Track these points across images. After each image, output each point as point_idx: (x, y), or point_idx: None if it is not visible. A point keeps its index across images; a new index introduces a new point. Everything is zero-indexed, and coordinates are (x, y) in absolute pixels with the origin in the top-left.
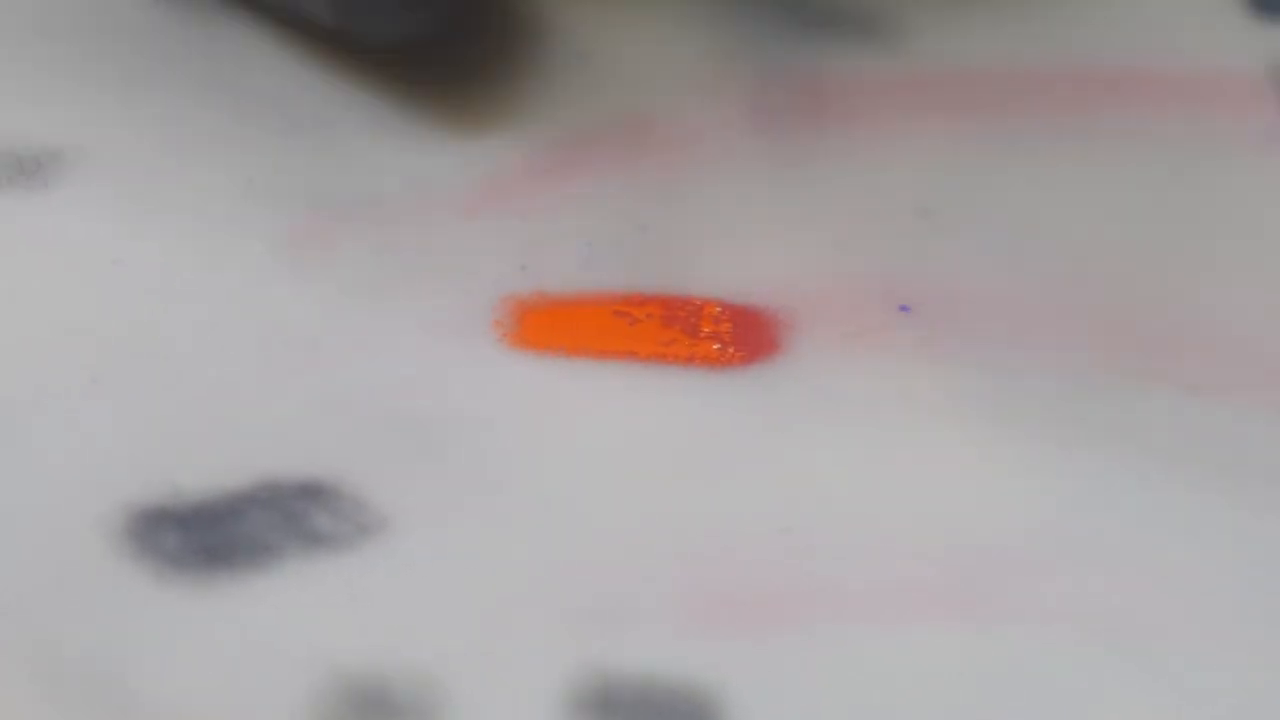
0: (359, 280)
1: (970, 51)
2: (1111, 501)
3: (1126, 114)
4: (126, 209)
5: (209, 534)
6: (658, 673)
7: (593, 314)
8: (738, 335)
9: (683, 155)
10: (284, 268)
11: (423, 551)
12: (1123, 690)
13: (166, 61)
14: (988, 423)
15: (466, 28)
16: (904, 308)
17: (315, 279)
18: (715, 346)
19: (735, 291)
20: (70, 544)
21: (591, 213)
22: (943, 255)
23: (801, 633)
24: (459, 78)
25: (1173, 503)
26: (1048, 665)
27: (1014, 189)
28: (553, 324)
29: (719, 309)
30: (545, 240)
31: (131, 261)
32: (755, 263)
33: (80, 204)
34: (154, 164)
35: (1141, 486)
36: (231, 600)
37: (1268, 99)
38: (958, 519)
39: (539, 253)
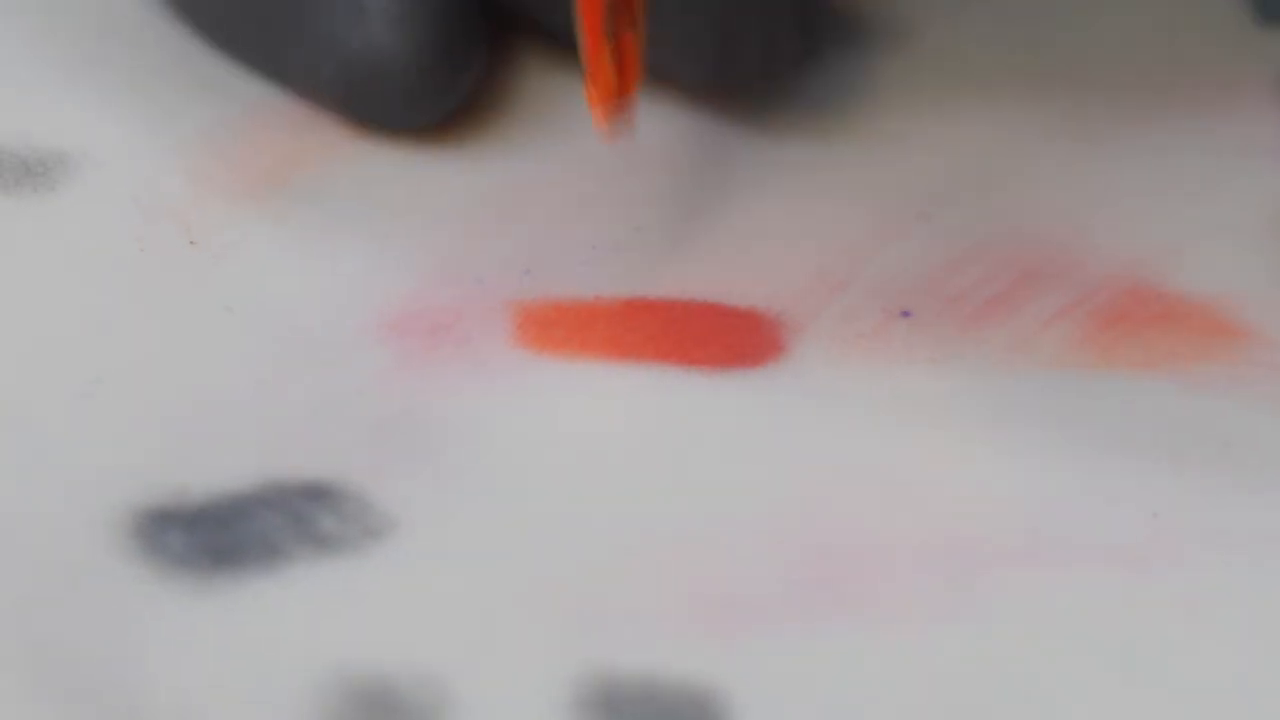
0: (366, 277)
1: (972, 58)
2: (1111, 501)
3: (1131, 123)
4: (131, 212)
5: (215, 535)
6: (661, 673)
7: (596, 317)
8: (739, 339)
9: (681, 158)
10: (288, 268)
11: (428, 553)
12: (1121, 688)
13: (171, 66)
14: (987, 424)
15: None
16: (905, 313)
17: (320, 276)
18: (717, 350)
19: (735, 295)
20: (76, 544)
21: (593, 218)
22: (943, 260)
23: (803, 632)
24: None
25: (1172, 501)
26: (1045, 662)
27: (1015, 194)
28: (557, 327)
29: (721, 312)
30: (548, 245)
31: (135, 263)
32: (756, 266)
33: (86, 206)
34: (158, 168)
35: (1141, 485)
36: (237, 601)
37: (1273, 108)
38: (957, 520)
39: (542, 257)
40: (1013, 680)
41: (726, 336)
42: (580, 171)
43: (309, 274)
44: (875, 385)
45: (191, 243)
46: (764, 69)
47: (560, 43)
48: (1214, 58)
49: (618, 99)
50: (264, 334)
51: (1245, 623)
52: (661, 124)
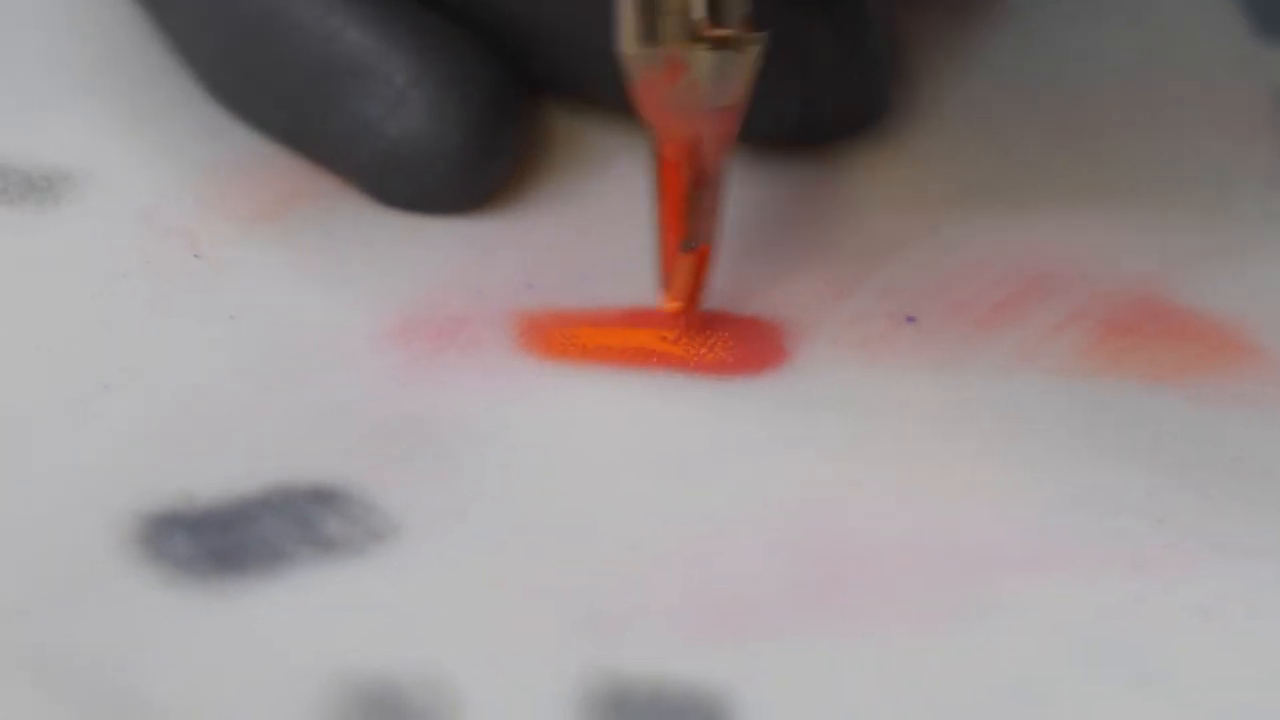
0: (369, 288)
1: (979, 72)
2: (1116, 509)
3: (1132, 138)
4: (135, 226)
5: (220, 539)
6: (668, 676)
7: (600, 324)
8: (744, 346)
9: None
10: (292, 279)
11: (434, 556)
12: (1119, 695)
13: (184, 98)
14: (992, 431)
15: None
16: (911, 319)
17: (323, 287)
18: (722, 356)
19: (740, 303)
20: (82, 549)
21: (597, 239)
22: (950, 268)
23: (809, 637)
24: None
25: (1178, 510)
26: (1050, 669)
27: (1019, 204)
28: (560, 334)
29: (725, 320)
30: (550, 262)
31: (139, 274)
32: (761, 275)
33: (89, 221)
34: (164, 189)
35: (1146, 494)
36: (243, 605)
37: (1273, 121)
38: (962, 526)
39: (544, 273)
40: (1016, 687)
41: (731, 343)
42: (586, 201)
43: (313, 284)
44: (880, 391)
45: (196, 255)
46: (844, 125)
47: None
48: (1214, 74)
49: (690, 306)
50: (268, 341)
51: (1251, 632)
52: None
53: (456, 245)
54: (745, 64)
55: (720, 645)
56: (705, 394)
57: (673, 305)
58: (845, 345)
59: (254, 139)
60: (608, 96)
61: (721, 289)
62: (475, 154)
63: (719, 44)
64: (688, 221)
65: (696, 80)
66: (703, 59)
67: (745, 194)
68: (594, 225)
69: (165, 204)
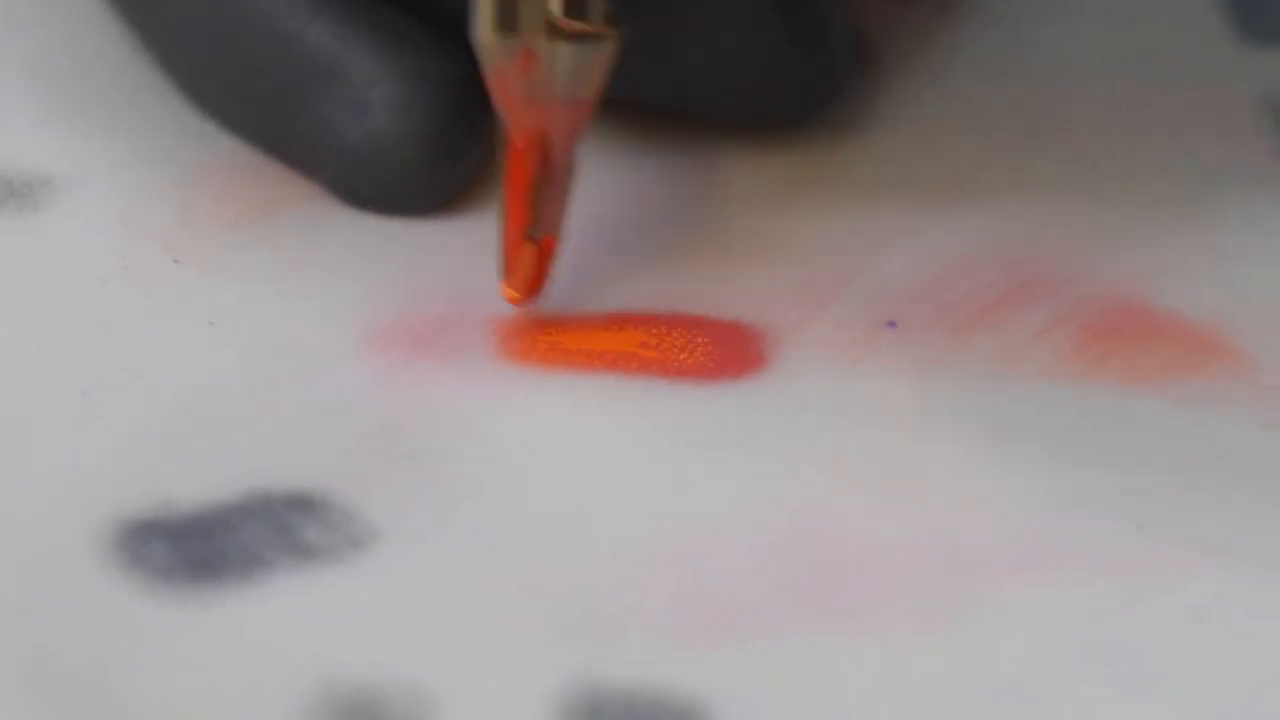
0: (349, 294)
1: (961, 75)
2: (1097, 513)
3: (1115, 140)
4: (115, 232)
5: (198, 546)
6: (647, 683)
7: (580, 330)
8: (723, 351)
9: (666, 174)
10: (272, 286)
11: (413, 563)
12: (1110, 698)
13: (163, 104)
14: (973, 435)
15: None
16: (892, 324)
17: (303, 293)
18: (701, 361)
19: (720, 308)
20: (60, 556)
21: (575, 243)
22: (931, 273)
23: (789, 642)
24: None
25: (1158, 514)
26: (1035, 673)
27: (1001, 207)
28: (541, 340)
29: (705, 325)
30: None
31: (119, 280)
32: (741, 280)
33: (68, 226)
34: (144, 194)
35: (1127, 498)
36: (221, 612)
37: (1257, 128)
38: (943, 529)
39: None
40: (1000, 690)
41: (711, 348)
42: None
43: (293, 290)
44: (861, 396)
45: (175, 261)
46: (803, 106)
47: None
48: (1199, 77)
49: (529, 297)
50: (248, 347)
51: (1241, 633)
52: (645, 144)
53: (436, 249)
54: (601, 60)
55: (702, 650)
56: (685, 399)
57: (511, 295)
58: (825, 350)
59: (233, 143)
60: None
61: (700, 295)
62: (438, 154)
63: (575, 38)
64: (532, 211)
65: (550, 73)
66: (558, 52)
67: (726, 194)
68: (570, 228)
69: (145, 209)
